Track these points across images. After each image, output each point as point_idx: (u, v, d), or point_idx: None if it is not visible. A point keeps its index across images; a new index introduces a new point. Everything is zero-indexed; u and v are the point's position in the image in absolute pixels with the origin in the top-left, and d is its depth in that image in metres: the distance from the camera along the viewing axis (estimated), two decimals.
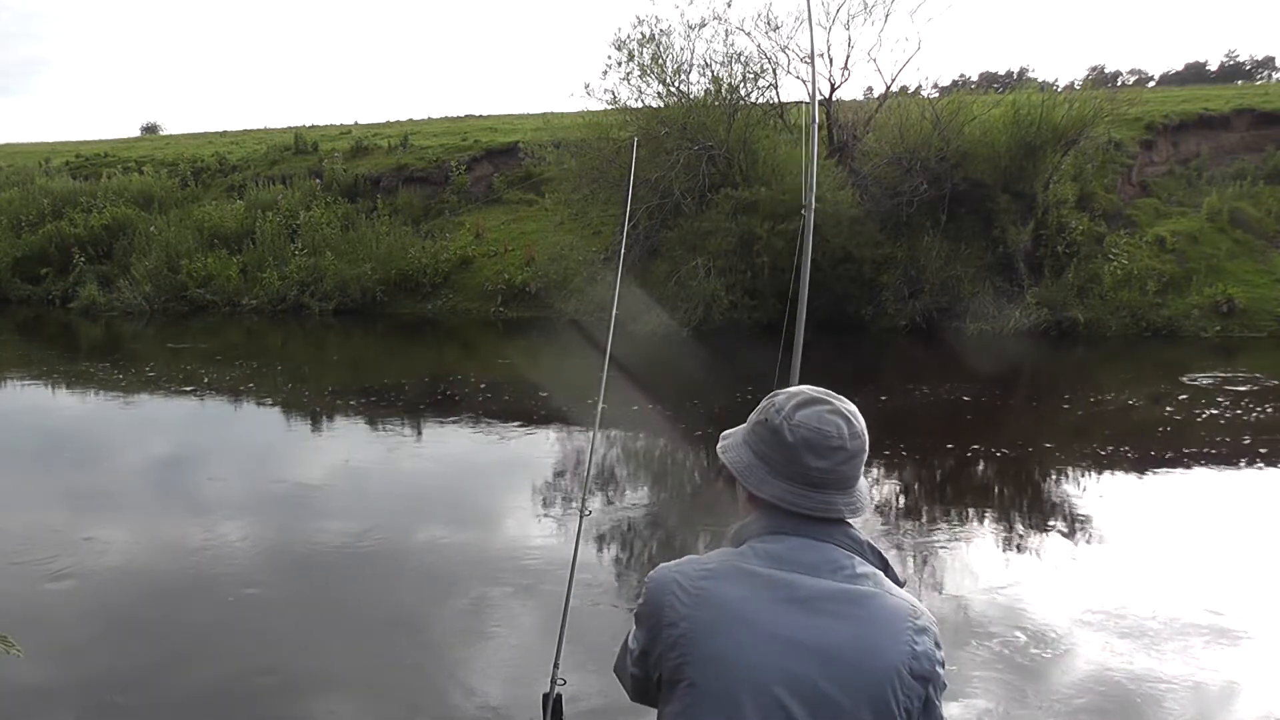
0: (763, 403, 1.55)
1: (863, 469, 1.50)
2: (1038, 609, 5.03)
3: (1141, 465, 7.89)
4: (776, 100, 16.74)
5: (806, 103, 17.11)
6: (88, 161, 25.31)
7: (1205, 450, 8.15)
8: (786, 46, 16.53)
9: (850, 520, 1.50)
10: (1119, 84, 30.55)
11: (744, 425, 1.58)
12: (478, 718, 4.10)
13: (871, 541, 1.52)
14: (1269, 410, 9.46)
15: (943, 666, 1.43)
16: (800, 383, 1.65)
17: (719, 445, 1.60)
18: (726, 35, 16.42)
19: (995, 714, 4.03)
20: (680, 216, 15.14)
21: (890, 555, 1.54)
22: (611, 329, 3.43)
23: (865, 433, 1.48)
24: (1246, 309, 13.90)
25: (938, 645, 1.43)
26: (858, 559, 1.47)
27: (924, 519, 6.77)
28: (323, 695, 4.37)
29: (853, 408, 1.49)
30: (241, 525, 6.52)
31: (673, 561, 1.54)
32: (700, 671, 1.41)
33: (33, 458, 8.66)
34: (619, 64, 16.25)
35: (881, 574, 1.48)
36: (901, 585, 1.50)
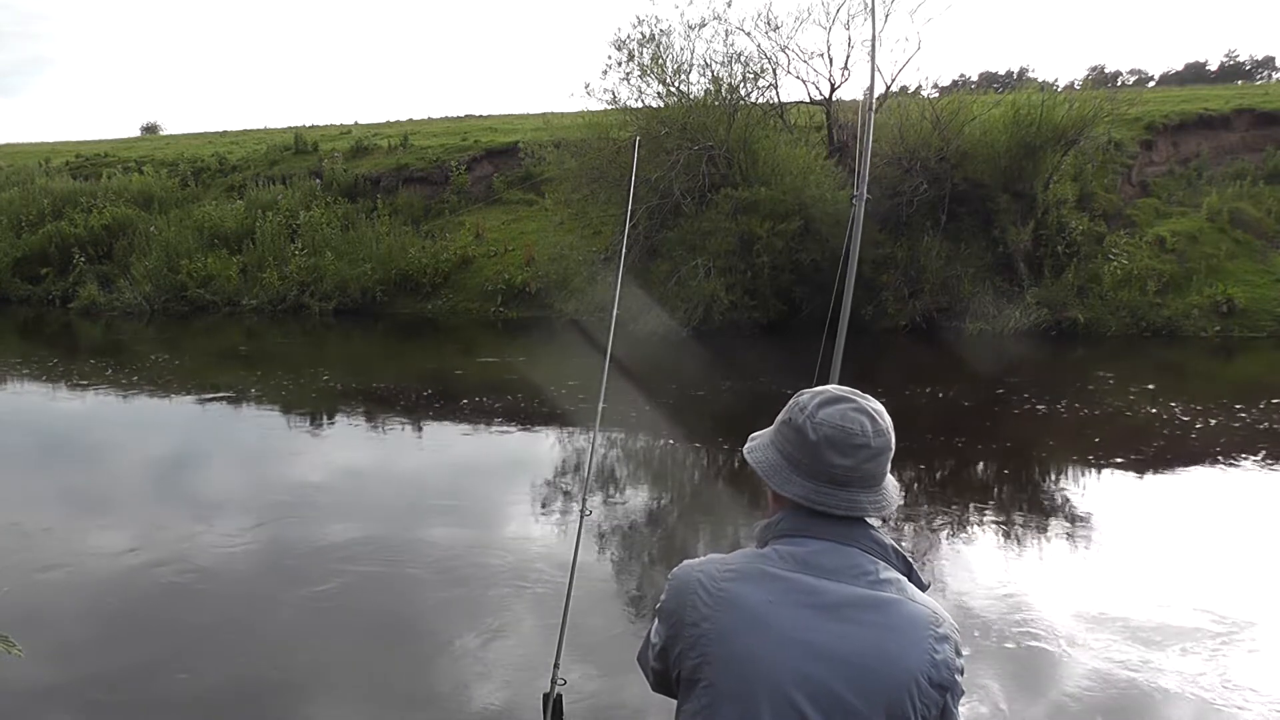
0: (789, 402, 1.55)
1: (889, 467, 1.49)
2: (1038, 609, 5.03)
3: (1141, 465, 7.89)
4: (776, 100, 16.74)
5: (813, 100, 16.86)
6: (88, 161, 25.32)
7: (1205, 450, 8.15)
8: (786, 46, 16.56)
9: (874, 521, 1.49)
10: (1119, 84, 30.57)
11: (771, 426, 1.58)
12: (478, 718, 4.10)
13: (896, 545, 1.51)
14: (1266, 411, 9.46)
15: (961, 674, 1.43)
16: (838, 379, 1.65)
17: (746, 446, 1.60)
18: (726, 35, 16.45)
19: (995, 714, 4.03)
20: (680, 216, 15.14)
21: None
22: (612, 329, 3.44)
23: (891, 430, 1.48)
24: (1246, 309, 13.90)
25: (958, 653, 1.43)
26: (881, 564, 1.47)
27: (924, 518, 6.76)
28: (322, 695, 4.37)
29: (878, 405, 1.49)
30: (240, 525, 6.51)
31: (696, 559, 1.54)
32: (719, 673, 1.42)
33: (30, 458, 8.65)
34: (619, 64, 16.27)
35: (904, 579, 1.47)
36: (925, 589, 1.50)
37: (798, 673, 1.37)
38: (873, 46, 3.03)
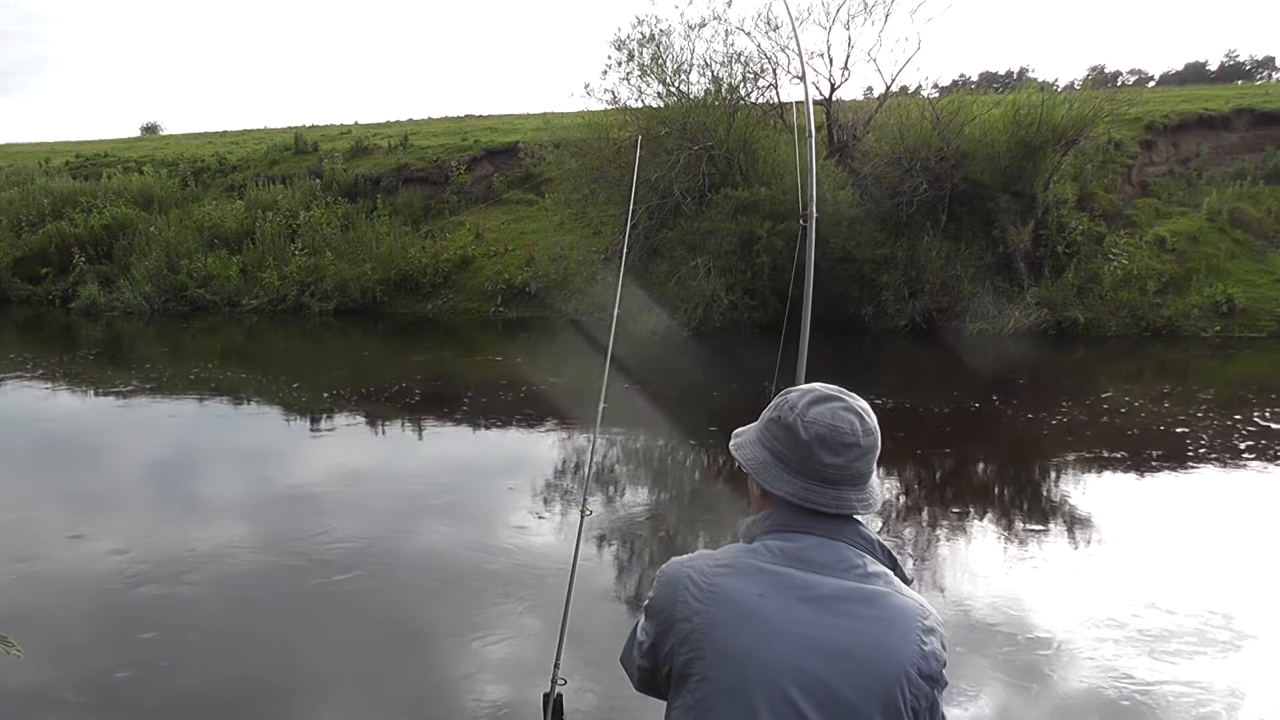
0: (775, 400, 1.56)
1: (875, 465, 1.51)
2: (1038, 610, 5.03)
3: (1141, 466, 7.89)
4: (776, 100, 16.75)
5: (801, 101, 17.10)
6: (88, 161, 25.29)
7: (1205, 451, 8.15)
8: (786, 46, 16.54)
9: (860, 518, 1.51)
10: (1119, 84, 30.57)
11: (757, 423, 1.59)
12: (478, 718, 4.10)
13: (881, 540, 1.53)
14: (1268, 412, 9.46)
15: (945, 666, 1.45)
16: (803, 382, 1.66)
17: (732, 442, 1.60)
18: (726, 35, 16.44)
19: (996, 715, 4.03)
20: (680, 216, 15.14)
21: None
22: (613, 329, 3.43)
23: (878, 429, 1.50)
24: (1246, 309, 13.90)
25: (943, 646, 1.45)
26: (869, 558, 1.48)
27: (924, 519, 6.77)
28: (322, 697, 4.37)
29: (865, 404, 1.51)
30: (240, 526, 6.52)
31: (684, 556, 1.55)
32: (713, 667, 1.42)
33: (29, 458, 8.65)
34: (619, 64, 16.26)
35: (891, 573, 1.49)
36: (909, 583, 1.52)
37: (792, 666, 1.38)
38: (803, 71, 3.07)
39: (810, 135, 2.89)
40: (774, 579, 1.44)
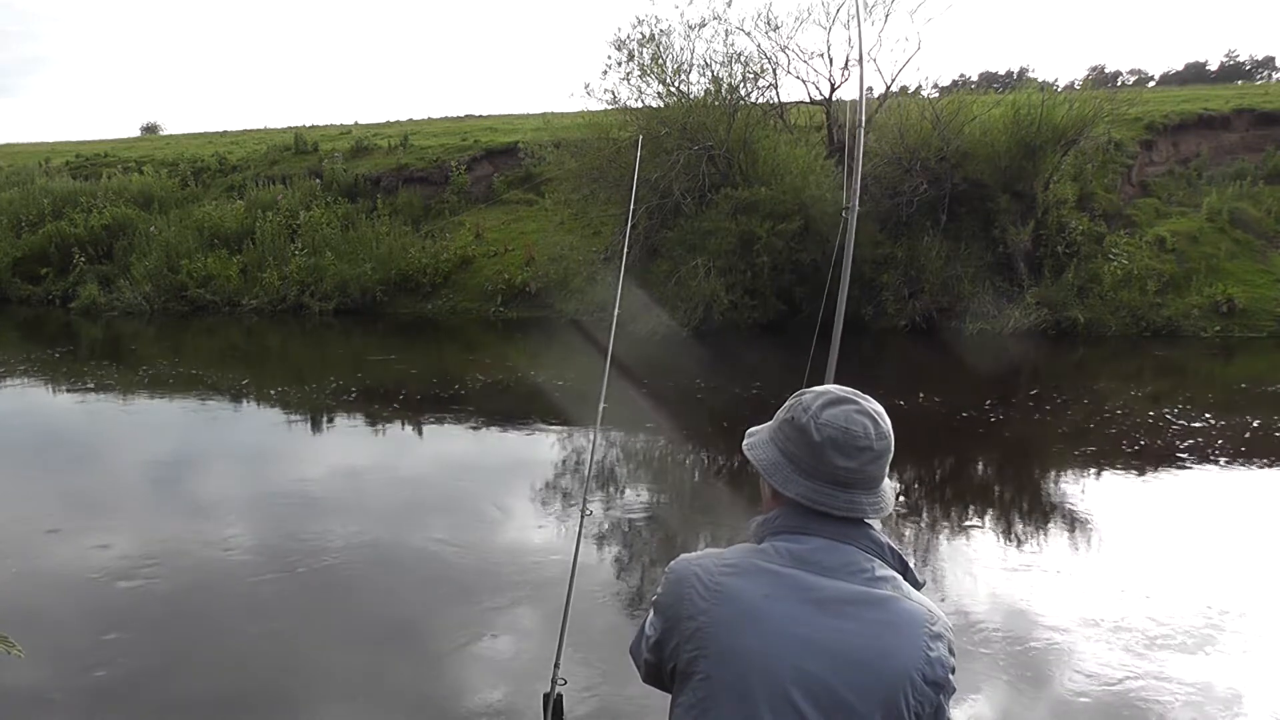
0: (789, 400, 1.55)
1: (888, 469, 1.50)
2: (1038, 610, 5.03)
3: (1141, 466, 7.89)
4: (776, 100, 16.75)
5: (801, 101, 16.89)
6: (88, 161, 25.31)
7: (1205, 451, 8.14)
8: (786, 46, 16.56)
9: (871, 521, 1.50)
10: (1119, 84, 30.58)
11: (770, 423, 1.58)
12: (478, 718, 4.10)
13: (892, 544, 1.52)
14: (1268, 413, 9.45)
15: (953, 673, 1.43)
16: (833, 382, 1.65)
17: (744, 442, 1.59)
18: (726, 35, 16.45)
19: (996, 716, 4.03)
20: (680, 216, 15.14)
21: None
22: (613, 329, 3.43)
23: (891, 433, 1.49)
24: (1246, 309, 13.91)
25: (951, 652, 1.43)
26: (878, 562, 1.47)
27: (924, 520, 6.77)
28: (321, 696, 4.36)
29: (879, 407, 1.50)
30: (240, 527, 6.51)
31: (693, 554, 1.55)
32: (716, 666, 1.42)
33: (29, 457, 8.65)
34: (619, 64, 16.28)
35: (900, 578, 1.48)
36: (920, 587, 1.51)
37: (794, 668, 1.38)
38: (860, 61, 3.08)
39: (861, 126, 2.90)
40: (780, 580, 1.44)
